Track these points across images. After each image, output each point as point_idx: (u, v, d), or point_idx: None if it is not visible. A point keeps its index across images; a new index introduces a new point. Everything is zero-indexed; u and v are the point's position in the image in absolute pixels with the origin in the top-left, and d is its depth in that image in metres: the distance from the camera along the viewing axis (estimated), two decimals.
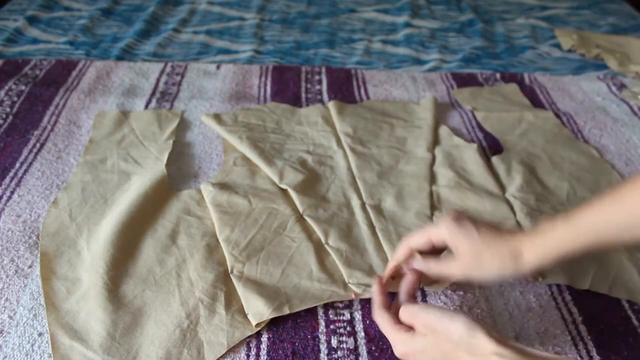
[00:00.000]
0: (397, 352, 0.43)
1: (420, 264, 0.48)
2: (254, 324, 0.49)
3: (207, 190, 0.63)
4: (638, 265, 0.57)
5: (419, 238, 0.48)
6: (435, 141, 0.75)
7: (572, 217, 0.44)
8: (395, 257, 0.50)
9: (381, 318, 0.45)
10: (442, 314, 0.41)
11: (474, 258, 0.46)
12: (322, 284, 0.53)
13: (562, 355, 0.44)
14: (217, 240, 0.58)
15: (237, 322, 0.49)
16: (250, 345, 0.49)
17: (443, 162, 0.70)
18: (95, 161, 0.68)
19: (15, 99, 0.82)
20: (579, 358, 0.49)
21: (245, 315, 0.50)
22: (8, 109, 0.79)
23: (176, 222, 0.60)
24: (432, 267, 0.48)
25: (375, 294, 0.47)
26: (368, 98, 0.87)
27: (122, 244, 0.56)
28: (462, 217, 0.47)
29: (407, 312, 0.43)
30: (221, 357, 0.47)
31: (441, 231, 0.47)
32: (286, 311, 0.50)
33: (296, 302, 0.51)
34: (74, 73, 0.90)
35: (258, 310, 0.50)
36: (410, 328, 0.43)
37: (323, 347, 0.49)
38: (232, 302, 0.51)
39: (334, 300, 0.52)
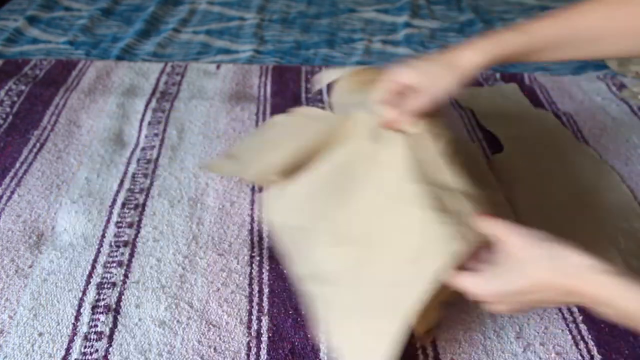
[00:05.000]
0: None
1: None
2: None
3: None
4: (633, 268, 0.57)
5: (395, 78, 0.53)
6: None
7: (521, 26, 0.49)
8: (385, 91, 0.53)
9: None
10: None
11: (423, 78, 0.51)
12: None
13: None
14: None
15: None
16: (251, 344, 0.49)
17: None
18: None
19: (15, 99, 0.82)
20: (579, 358, 0.49)
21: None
22: (8, 109, 0.79)
23: None
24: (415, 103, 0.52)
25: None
26: None
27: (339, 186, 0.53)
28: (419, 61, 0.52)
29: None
30: (220, 355, 0.47)
31: (404, 74, 0.52)
32: None
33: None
34: (74, 73, 0.90)
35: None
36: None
37: (323, 347, 0.49)
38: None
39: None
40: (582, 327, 0.51)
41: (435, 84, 0.51)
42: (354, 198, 0.51)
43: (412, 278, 0.43)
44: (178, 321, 0.51)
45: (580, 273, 0.37)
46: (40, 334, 0.49)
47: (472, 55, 0.50)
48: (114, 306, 0.52)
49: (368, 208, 0.50)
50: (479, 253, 0.43)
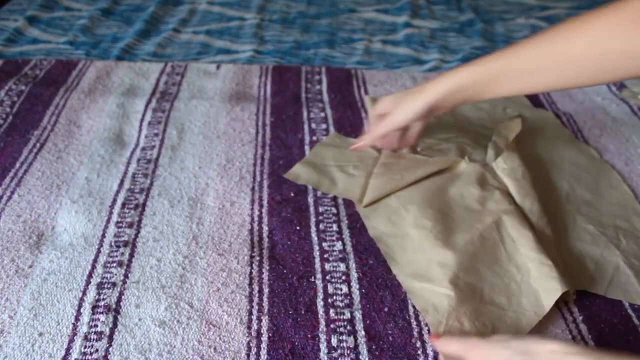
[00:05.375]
0: None
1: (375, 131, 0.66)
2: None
3: (501, 168, 0.66)
4: (634, 268, 0.57)
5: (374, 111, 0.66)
6: None
7: (478, 62, 0.55)
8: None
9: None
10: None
11: (395, 105, 0.62)
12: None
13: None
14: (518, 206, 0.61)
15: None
16: (251, 344, 0.49)
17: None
18: None
19: (15, 99, 0.82)
20: None
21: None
22: (8, 109, 0.79)
23: (476, 189, 0.64)
24: (379, 128, 0.64)
25: None
26: None
27: (435, 204, 0.61)
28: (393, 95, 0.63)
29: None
30: (220, 355, 0.47)
31: (379, 107, 0.64)
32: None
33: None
34: (74, 73, 0.90)
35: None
36: None
37: (323, 347, 0.49)
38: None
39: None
40: (582, 327, 0.51)
41: (400, 109, 0.61)
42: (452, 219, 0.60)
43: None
44: (178, 321, 0.51)
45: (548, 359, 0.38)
46: (40, 334, 0.49)
47: (437, 84, 0.58)
48: (114, 306, 0.52)
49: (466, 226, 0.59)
50: None
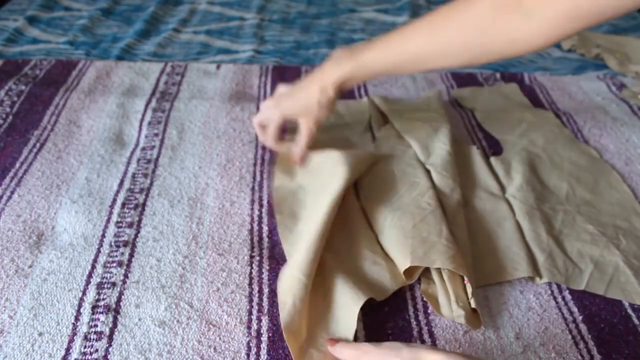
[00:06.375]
0: None
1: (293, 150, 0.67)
2: (402, 271, 0.54)
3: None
4: (634, 267, 0.57)
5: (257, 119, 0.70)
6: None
7: (360, 51, 0.60)
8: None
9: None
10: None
11: (304, 110, 0.64)
12: (449, 243, 0.54)
13: None
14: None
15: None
16: (251, 344, 0.49)
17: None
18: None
19: (15, 99, 0.82)
20: (579, 358, 0.49)
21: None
22: (8, 109, 0.79)
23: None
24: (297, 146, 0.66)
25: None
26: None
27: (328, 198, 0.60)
28: (274, 97, 0.66)
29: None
30: (220, 355, 0.47)
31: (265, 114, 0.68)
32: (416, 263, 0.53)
33: (420, 253, 0.54)
34: (74, 73, 0.90)
35: (399, 261, 0.55)
36: None
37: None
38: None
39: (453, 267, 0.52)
40: (582, 327, 0.51)
41: (310, 112, 0.63)
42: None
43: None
44: (178, 321, 0.51)
45: None
46: (40, 334, 0.49)
47: (325, 76, 0.61)
48: (114, 306, 0.52)
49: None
50: None
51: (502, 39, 0.52)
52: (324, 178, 0.64)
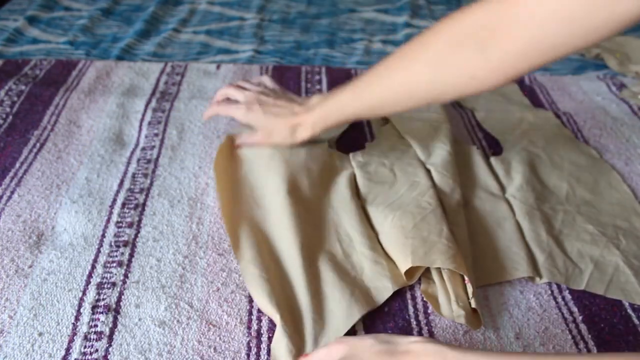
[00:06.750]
0: None
1: (241, 138, 0.68)
2: (403, 272, 0.54)
3: (357, 161, 0.69)
4: (634, 267, 0.57)
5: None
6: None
7: (331, 97, 0.62)
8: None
9: None
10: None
11: (267, 132, 0.66)
12: (449, 242, 0.54)
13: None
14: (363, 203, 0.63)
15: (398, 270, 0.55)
16: (251, 345, 0.49)
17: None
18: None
19: (15, 99, 0.82)
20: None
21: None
22: (8, 109, 0.79)
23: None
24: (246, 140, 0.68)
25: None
26: None
27: (298, 198, 0.61)
28: (254, 103, 0.65)
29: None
30: (220, 355, 0.47)
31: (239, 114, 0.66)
32: (417, 263, 0.53)
33: (420, 253, 0.53)
34: (74, 73, 0.90)
35: (400, 262, 0.55)
36: None
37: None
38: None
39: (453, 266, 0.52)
40: (582, 327, 0.52)
41: (271, 137, 0.65)
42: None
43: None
44: (178, 321, 0.51)
45: (409, 346, 0.40)
46: (40, 334, 0.49)
47: (307, 128, 0.64)
48: (114, 306, 0.52)
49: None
50: None
51: (459, 75, 0.52)
52: (260, 170, 0.65)
